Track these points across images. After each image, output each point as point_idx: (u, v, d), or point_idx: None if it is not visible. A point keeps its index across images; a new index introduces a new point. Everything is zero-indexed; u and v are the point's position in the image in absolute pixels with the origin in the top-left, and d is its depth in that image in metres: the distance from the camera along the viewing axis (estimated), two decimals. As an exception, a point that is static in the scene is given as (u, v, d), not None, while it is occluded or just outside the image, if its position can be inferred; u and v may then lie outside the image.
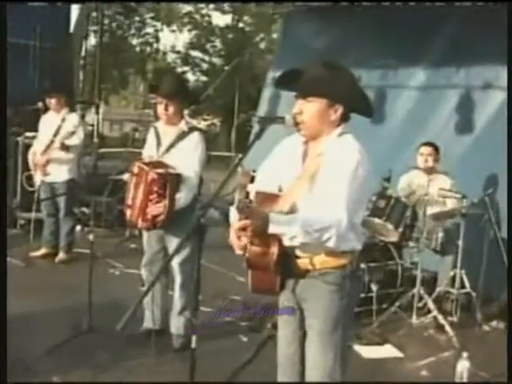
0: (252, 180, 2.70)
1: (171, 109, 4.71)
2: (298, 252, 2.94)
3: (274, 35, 19.07)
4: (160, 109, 4.72)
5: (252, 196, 2.80)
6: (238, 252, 2.88)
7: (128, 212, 4.68)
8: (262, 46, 23.39)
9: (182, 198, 4.59)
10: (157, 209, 4.49)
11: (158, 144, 4.81)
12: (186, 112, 4.99)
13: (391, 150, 7.79)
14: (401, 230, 5.80)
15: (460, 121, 7.54)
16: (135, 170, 4.61)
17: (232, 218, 2.89)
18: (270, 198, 2.94)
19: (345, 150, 2.89)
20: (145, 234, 4.97)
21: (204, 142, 4.77)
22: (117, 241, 8.19)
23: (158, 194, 4.48)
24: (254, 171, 2.75)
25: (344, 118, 2.98)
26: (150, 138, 4.92)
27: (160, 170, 4.50)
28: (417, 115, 7.97)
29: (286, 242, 2.83)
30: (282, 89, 3.25)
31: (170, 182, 4.52)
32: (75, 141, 6.84)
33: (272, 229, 2.72)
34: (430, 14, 7.68)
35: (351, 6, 8.58)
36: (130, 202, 4.64)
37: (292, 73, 2.99)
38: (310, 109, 2.92)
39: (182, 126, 4.76)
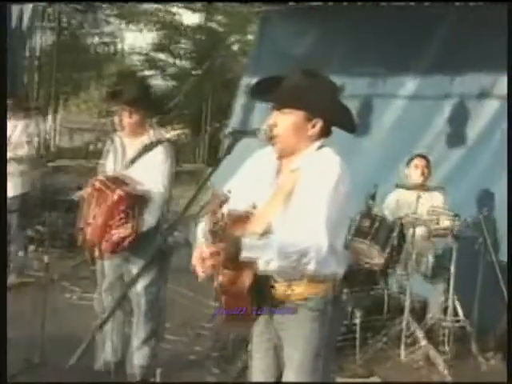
0: (227, 201, 2.69)
1: (136, 117, 4.69)
2: (275, 277, 2.94)
3: (250, 36, 19.08)
4: (123, 117, 4.70)
5: (225, 217, 2.81)
6: (201, 276, 2.86)
7: (88, 231, 4.59)
8: (236, 48, 23.38)
9: (150, 218, 4.52)
10: (124, 230, 4.43)
11: (122, 156, 4.76)
12: (153, 121, 4.97)
13: (377, 164, 7.81)
14: (387, 252, 5.82)
15: (452, 132, 7.57)
16: (97, 184, 4.55)
17: (200, 240, 2.89)
18: (243, 218, 2.94)
19: (324, 164, 2.90)
20: (106, 257, 4.88)
21: (173, 154, 4.75)
22: (74, 262, 8.12)
23: (125, 214, 4.43)
24: (229, 191, 2.75)
25: (324, 133, 3.00)
26: (113, 149, 4.86)
27: (127, 188, 4.46)
28: (406, 127, 7.95)
29: (262, 267, 2.80)
30: (257, 99, 3.27)
31: (138, 200, 4.48)
32: (29, 151, 6.79)
33: (246, 253, 2.72)
34: (422, 15, 7.62)
35: (336, 6, 8.55)
36: (90, 220, 4.57)
37: (268, 81, 3.02)
38: (285, 121, 2.93)
39: (149, 136, 4.73)
